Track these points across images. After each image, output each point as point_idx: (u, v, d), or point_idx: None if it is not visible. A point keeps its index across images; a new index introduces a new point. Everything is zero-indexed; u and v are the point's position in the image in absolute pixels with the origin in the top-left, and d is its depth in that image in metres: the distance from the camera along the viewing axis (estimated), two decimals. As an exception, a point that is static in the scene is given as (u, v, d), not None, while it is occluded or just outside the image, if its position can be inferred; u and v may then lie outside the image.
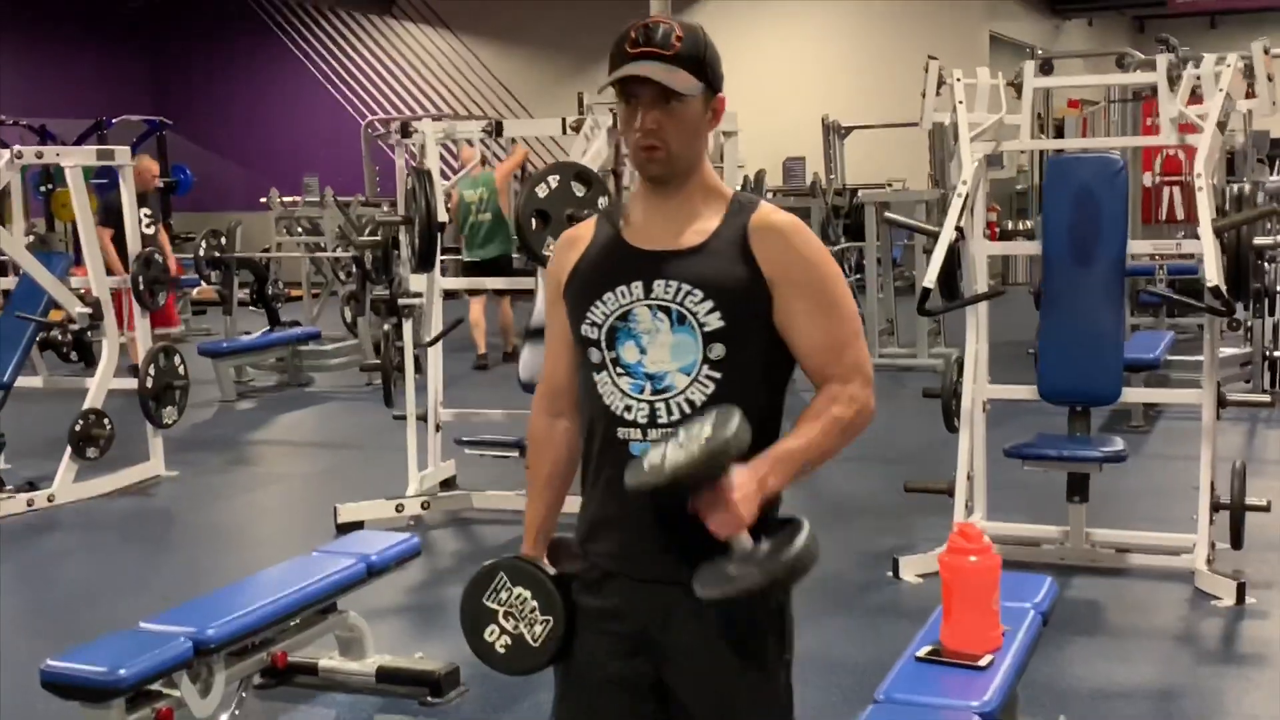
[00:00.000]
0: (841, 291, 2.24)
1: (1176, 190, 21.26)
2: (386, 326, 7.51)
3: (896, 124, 14.32)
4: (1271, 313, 8.65)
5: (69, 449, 6.99)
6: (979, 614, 3.43)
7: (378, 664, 4.42)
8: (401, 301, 6.78)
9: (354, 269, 11.50)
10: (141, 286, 7.36)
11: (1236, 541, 5.29)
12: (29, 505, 6.80)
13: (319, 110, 20.22)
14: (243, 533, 6.62)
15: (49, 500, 6.88)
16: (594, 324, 2.23)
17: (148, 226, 9.57)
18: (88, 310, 7.17)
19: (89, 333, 11.01)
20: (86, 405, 7.09)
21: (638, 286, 2.20)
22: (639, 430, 2.20)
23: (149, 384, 7.27)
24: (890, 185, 13.27)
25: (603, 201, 5.85)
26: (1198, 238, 5.04)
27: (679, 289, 2.18)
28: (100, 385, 7.17)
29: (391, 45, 20.06)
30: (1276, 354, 8.58)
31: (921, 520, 5.99)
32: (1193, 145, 5.47)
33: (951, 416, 5.83)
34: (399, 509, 6.41)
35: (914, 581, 5.39)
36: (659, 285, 2.19)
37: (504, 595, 2.33)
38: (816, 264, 2.22)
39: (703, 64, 2.18)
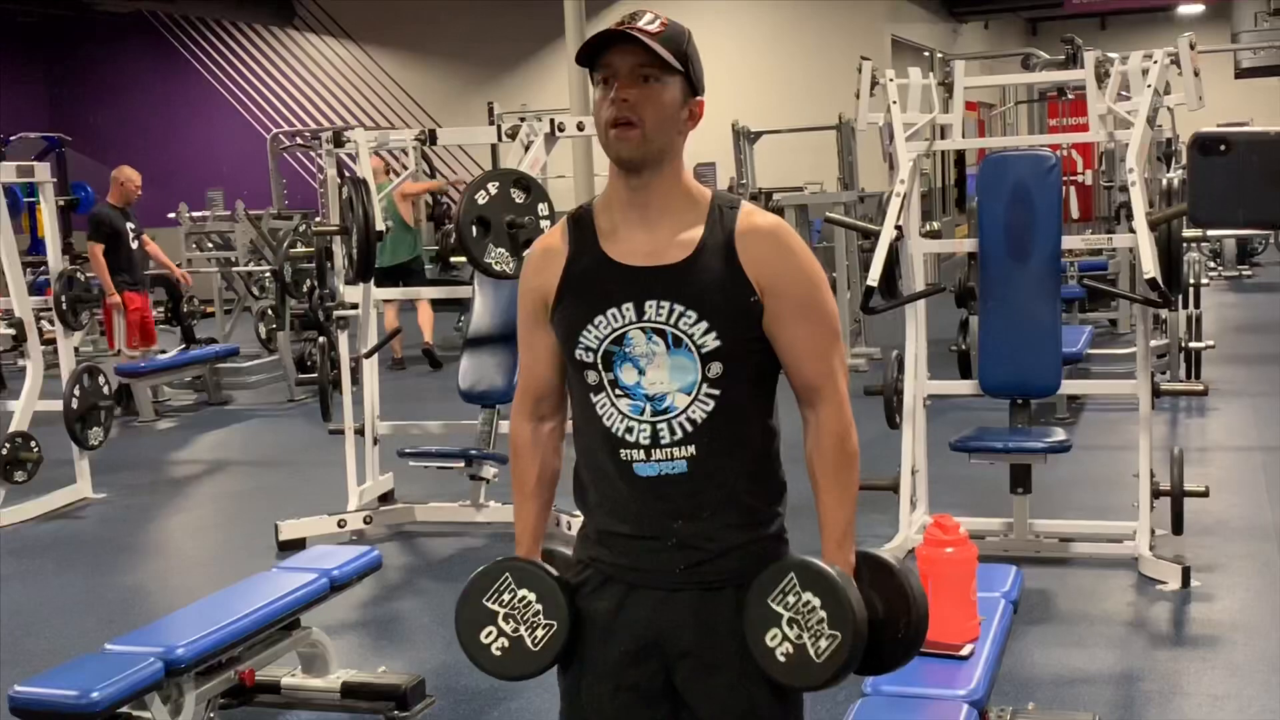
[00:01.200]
0: (825, 294, 2.24)
1: (1072, 190, 21.80)
2: (322, 339, 7.40)
3: (807, 128, 14.49)
4: (1186, 305, 8.85)
5: (-4, 473, 6.83)
6: (957, 605, 3.48)
7: (342, 680, 4.37)
8: (337, 313, 6.70)
9: (270, 283, 11.35)
10: (64, 306, 7.19)
11: (1177, 527, 5.41)
12: (-43, 533, 6.64)
13: (222, 124, 19.92)
14: (181, 553, 6.50)
15: (-23, 526, 6.72)
16: (588, 348, 2.19)
17: (134, 239, 9.49)
18: (11, 332, 6.99)
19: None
20: (13, 428, 6.92)
21: (629, 309, 2.16)
22: (642, 451, 2.18)
23: (74, 405, 7.12)
24: (807, 188, 13.36)
25: (542, 207, 5.84)
26: (1118, 233, 5.15)
27: (671, 310, 2.15)
28: (26, 407, 7.00)
29: (294, 57, 19.83)
30: (1193, 345, 8.77)
31: (866, 517, 5.92)
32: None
33: (893, 413, 5.91)
34: (341, 524, 6.33)
35: (865, 578, 5.42)
36: (651, 307, 2.16)
37: (506, 597, 2.27)
38: (803, 268, 2.21)
39: (685, 56, 2.17)
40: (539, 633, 2.26)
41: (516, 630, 2.26)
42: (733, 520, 2.22)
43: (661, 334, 2.15)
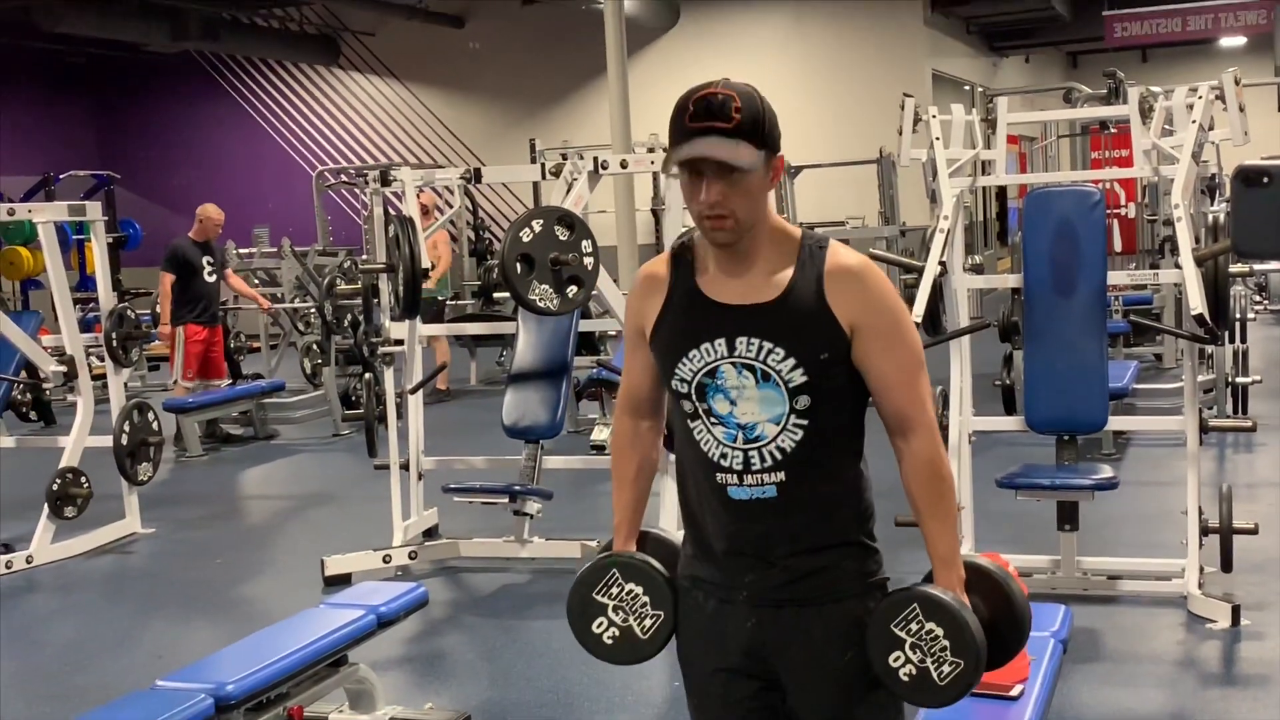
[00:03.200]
0: (910, 328, 2.33)
1: (1115, 222, 21.73)
2: (367, 375, 7.46)
3: (848, 162, 14.51)
4: (1233, 340, 8.77)
5: (46, 509, 6.88)
6: (1006, 644, 3.46)
7: (389, 716, 4.40)
8: (382, 349, 6.75)
9: (314, 319, 11.43)
10: (115, 342, 7.27)
11: (1226, 565, 5.36)
12: (7, 567, 6.69)
13: (268, 161, 20.14)
14: (228, 588, 6.53)
15: (28, 561, 6.77)
16: (683, 379, 2.32)
17: (210, 275, 9.80)
18: (62, 369, 7.08)
19: (47, 392, 10.93)
20: (63, 464, 6.99)
21: (720, 344, 2.28)
22: (735, 475, 2.31)
23: (124, 441, 7.19)
24: (848, 222, 13.37)
25: (586, 244, 5.86)
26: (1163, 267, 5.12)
27: (760, 347, 2.26)
28: (76, 443, 7.07)
29: (339, 95, 20.03)
30: (1240, 379, 8.70)
31: (910, 554, 5.94)
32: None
33: (939, 449, 5.87)
34: (386, 559, 6.36)
35: (911, 615, 5.39)
36: (741, 343, 2.27)
37: (615, 590, 2.44)
38: (890, 306, 2.30)
39: (762, 131, 2.22)
40: (647, 622, 2.44)
41: (626, 620, 2.45)
42: (823, 541, 2.33)
43: (751, 369, 2.27)
